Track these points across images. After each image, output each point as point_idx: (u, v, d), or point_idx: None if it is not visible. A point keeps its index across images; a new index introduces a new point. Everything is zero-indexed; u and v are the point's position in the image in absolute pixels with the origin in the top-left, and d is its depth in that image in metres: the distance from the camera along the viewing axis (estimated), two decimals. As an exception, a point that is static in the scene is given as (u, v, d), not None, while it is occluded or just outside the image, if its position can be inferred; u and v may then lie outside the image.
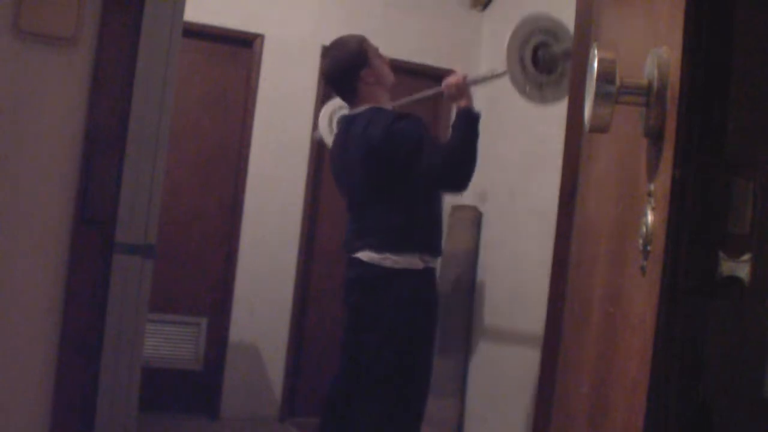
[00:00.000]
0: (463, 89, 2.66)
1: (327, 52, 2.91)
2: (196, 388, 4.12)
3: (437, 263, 2.74)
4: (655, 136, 0.96)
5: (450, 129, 2.66)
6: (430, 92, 2.98)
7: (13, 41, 1.77)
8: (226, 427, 4.02)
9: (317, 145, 4.26)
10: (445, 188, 2.79)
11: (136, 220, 2.14)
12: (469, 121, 2.59)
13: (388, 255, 2.61)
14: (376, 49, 2.81)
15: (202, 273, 4.14)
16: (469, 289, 4.00)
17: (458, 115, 2.65)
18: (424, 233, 2.68)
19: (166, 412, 3.95)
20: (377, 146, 2.60)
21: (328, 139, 3.42)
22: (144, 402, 2.41)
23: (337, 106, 3.50)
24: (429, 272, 2.67)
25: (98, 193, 1.80)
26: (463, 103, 2.65)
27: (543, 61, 2.59)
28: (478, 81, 2.80)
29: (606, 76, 0.96)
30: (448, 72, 2.78)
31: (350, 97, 2.80)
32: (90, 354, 1.82)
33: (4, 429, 1.76)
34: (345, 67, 2.75)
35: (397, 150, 2.58)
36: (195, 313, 4.13)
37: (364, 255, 2.65)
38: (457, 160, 2.54)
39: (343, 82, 2.78)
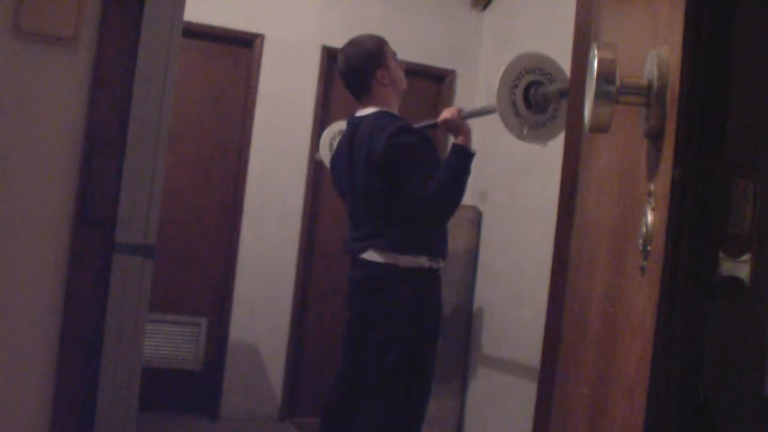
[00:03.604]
0: (459, 124, 2.66)
1: (345, 48, 2.85)
2: (196, 388, 4.12)
3: (442, 265, 2.73)
4: (655, 136, 0.96)
5: (444, 163, 2.61)
6: (426, 123, 2.94)
7: (13, 41, 1.77)
8: (226, 427, 4.02)
9: (317, 148, 4.27)
10: (423, 220, 2.62)
11: (136, 220, 2.13)
12: (462, 160, 2.59)
13: (393, 255, 2.61)
14: (394, 53, 2.83)
15: (202, 273, 4.14)
16: (468, 289, 4.00)
17: (452, 151, 2.64)
18: (427, 240, 2.67)
19: (166, 412, 3.95)
20: (377, 156, 2.59)
21: (328, 162, 3.43)
22: (144, 402, 2.40)
23: (337, 130, 3.53)
24: (433, 272, 2.67)
25: (98, 193, 1.80)
26: (459, 139, 2.64)
27: (535, 101, 2.55)
28: (472, 115, 2.76)
29: (606, 76, 0.96)
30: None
31: (362, 96, 2.79)
32: (90, 354, 1.82)
33: (4, 429, 1.76)
34: (362, 64, 2.75)
35: (394, 165, 2.57)
36: (195, 313, 4.12)
37: (369, 255, 2.65)
38: (444, 198, 2.53)
39: (358, 80, 2.77)
